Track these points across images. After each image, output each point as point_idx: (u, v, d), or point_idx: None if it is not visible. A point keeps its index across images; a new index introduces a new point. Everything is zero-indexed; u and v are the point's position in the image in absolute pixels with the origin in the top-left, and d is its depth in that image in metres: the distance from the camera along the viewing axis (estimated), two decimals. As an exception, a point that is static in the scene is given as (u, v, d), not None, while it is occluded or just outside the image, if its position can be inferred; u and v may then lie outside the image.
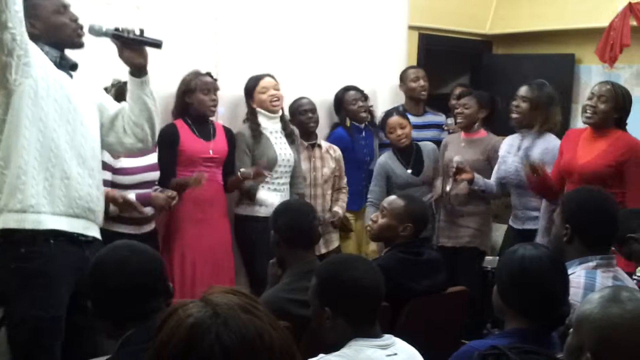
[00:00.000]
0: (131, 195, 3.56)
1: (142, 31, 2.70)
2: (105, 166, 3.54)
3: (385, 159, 4.56)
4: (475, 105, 4.45)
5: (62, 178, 2.62)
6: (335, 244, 4.57)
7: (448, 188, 4.25)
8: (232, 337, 1.09)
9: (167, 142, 3.87)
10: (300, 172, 4.39)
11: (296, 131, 4.38)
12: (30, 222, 2.56)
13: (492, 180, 4.31)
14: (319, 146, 4.52)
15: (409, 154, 4.54)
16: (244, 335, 1.10)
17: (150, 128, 2.88)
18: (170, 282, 3.72)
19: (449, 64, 6.18)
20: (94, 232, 2.78)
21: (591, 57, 5.27)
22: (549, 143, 4.06)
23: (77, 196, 2.66)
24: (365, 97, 4.78)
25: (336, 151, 4.58)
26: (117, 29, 2.67)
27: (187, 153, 3.92)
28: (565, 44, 5.61)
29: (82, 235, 2.70)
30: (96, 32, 2.68)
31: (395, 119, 4.49)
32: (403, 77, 5.05)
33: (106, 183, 3.54)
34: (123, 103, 2.90)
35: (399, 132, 4.45)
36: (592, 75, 5.45)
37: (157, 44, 2.71)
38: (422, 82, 4.97)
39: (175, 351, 1.10)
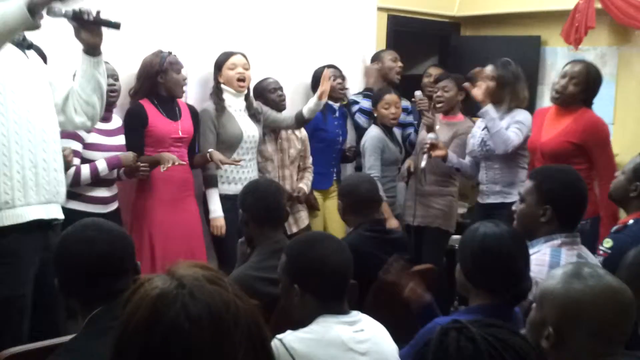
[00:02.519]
0: (101, 161, 3.57)
1: (98, 13, 2.69)
2: (77, 137, 3.54)
3: (379, 133, 4.53)
4: (454, 87, 4.45)
5: (30, 167, 2.63)
6: (305, 222, 4.56)
7: (423, 164, 4.24)
8: (198, 307, 1.09)
9: (136, 122, 3.83)
10: (263, 151, 4.38)
11: (262, 109, 4.34)
12: (9, 218, 2.58)
13: (467, 160, 4.33)
14: None
15: (392, 133, 4.58)
16: (210, 305, 1.10)
17: (100, 107, 2.92)
18: (139, 262, 3.78)
19: (417, 45, 6.19)
20: (58, 213, 2.80)
21: (557, 39, 5.32)
22: (518, 114, 4.08)
23: (46, 182, 2.68)
24: (343, 77, 4.77)
25: (302, 131, 4.56)
26: (75, 11, 2.65)
27: (156, 133, 3.87)
28: (531, 26, 5.66)
29: (54, 219, 2.73)
30: (55, 13, 2.64)
31: (393, 96, 4.54)
32: (379, 56, 5.04)
33: (76, 154, 3.54)
34: (71, 82, 2.91)
35: (394, 110, 4.50)
36: (557, 57, 5.51)
37: (115, 26, 2.70)
38: (400, 64, 4.98)
39: (142, 322, 1.10)
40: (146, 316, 1.10)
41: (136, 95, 3.92)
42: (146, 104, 3.88)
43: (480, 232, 2.19)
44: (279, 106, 4.43)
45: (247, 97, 4.27)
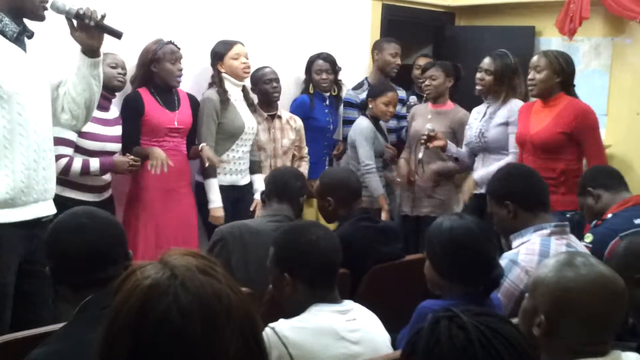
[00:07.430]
0: (94, 160, 3.54)
1: (103, 17, 2.64)
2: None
3: (370, 124, 4.50)
4: (442, 75, 4.44)
5: (27, 168, 2.61)
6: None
7: (420, 155, 4.23)
8: (190, 299, 1.08)
9: (132, 110, 3.82)
10: (257, 141, 4.37)
11: (255, 101, 4.36)
12: (3, 216, 2.57)
13: (463, 149, 4.31)
14: (279, 117, 4.47)
15: (379, 125, 4.59)
16: (202, 296, 1.09)
17: (87, 108, 2.86)
18: (133, 251, 3.80)
19: (412, 35, 6.18)
20: (47, 210, 2.76)
21: (551, 29, 5.32)
22: (514, 105, 4.04)
23: (35, 183, 2.65)
24: (333, 70, 4.72)
25: (297, 122, 4.53)
26: (79, 12, 2.61)
27: (152, 123, 3.85)
28: (526, 16, 5.66)
29: (41, 217, 2.71)
30: (58, 9, 2.61)
31: (395, 96, 4.52)
32: (381, 46, 4.97)
33: (70, 143, 3.52)
34: (64, 77, 2.84)
35: (392, 109, 4.48)
36: (551, 48, 5.48)
37: (117, 35, 2.66)
38: (398, 61, 4.94)
39: (133, 312, 1.08)
40: (137, 307, 1.08)
41: (134, 82, 3.92)
42: (144, 93, 3.87)
43: (446, 225, 2.22)
44: (271, 98, 4.39)
45: (243, 87, 4.27)
